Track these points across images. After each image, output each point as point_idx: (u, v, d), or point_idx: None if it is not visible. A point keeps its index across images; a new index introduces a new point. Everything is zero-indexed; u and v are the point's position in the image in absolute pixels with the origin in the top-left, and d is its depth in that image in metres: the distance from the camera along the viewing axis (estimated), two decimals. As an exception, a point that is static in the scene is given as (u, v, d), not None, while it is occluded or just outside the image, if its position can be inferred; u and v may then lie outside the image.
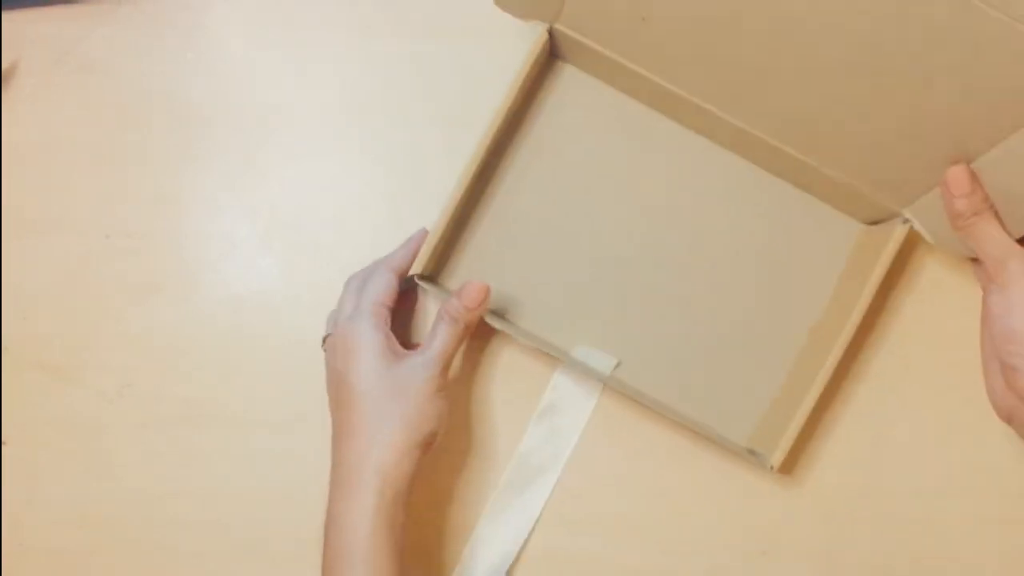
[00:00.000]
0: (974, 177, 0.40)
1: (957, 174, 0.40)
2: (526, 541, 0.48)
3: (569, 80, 0.49)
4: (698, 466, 0.49)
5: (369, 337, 0.42)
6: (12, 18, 0.50)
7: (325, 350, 0.45)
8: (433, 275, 0.48)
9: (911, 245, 0.49)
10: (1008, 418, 0.42)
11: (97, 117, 0.50)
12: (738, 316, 0.49)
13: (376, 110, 0.50)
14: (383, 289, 0.44)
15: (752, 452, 0.46)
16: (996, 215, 0.41)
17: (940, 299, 0.49)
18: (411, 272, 0.45)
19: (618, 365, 0.48)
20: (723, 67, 0.43)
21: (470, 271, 0.49)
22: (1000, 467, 0.49)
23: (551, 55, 0.49)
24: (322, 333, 0.47)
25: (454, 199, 0.44)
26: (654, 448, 0.49)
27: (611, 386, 0.47)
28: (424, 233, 0.46)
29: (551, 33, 0.45)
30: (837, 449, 0.49)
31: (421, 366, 0.42)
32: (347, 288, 0.45)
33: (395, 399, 0.41)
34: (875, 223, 0.48)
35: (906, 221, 0.45)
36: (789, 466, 0.48)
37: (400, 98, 0.50)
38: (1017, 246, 0.40)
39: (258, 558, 0.48)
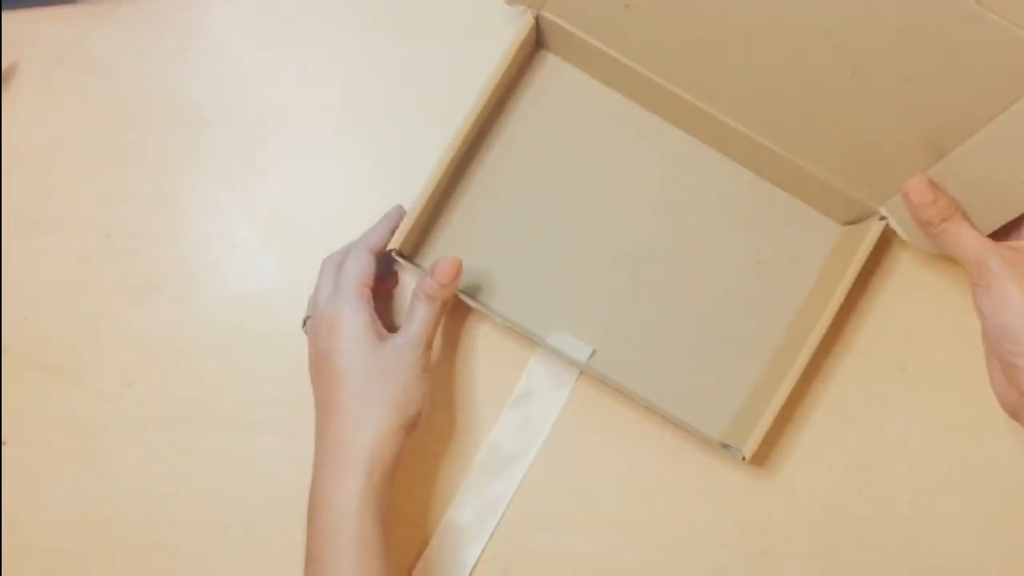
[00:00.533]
0: (934, 185, 0.41)
1: (916, 185, 0.41)
2: (496, 526, 0.48)
3: (554, 69, 0.50)
4: (697, 467, 0.49)
5: (353, 316, 0.42)
6: (12, 18, 0.50)
7: (306, 332, 0.45)
8: (412, 254, 0.49)
9: (887, 243, 0.50)
10: (1013, 413, 0.42)
11: (97, 117, 0.50)
12: (716, 311, 0.50)
13: (376, 110, 0.50)
14: (363, 269, 0.44)
15: (725, 446, 0.47)
16: (966, 217, 0.41)
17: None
18: (390, 247, 0.45)
19: (593, 354, 0.49)
20: (704, 57, 0.44)
21: (449, 251, 0.49)
22: (999, 464, 0.49)
23: (537, 44, 0.49)
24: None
25: (435, 178, 0.45)
26: (654, 448, 0.49)
27: (587, 374, 0.47)
28: (400, 210, 0.47)
29: (537, 20, 0.46)
30: (836, 450, 0.49)
31: (405, 347, 0.43)
32: (324, 269, 0.46)
33: (382, 380, 0.42)
34: (853, 223, 0.49)
35: (882, 218, 0.46)
36: (762, 458, 0.49)
37: (400, 98, 0.50)
38: (993, 244, 0.40)
39: (258, 558, 0.48)
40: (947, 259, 0.49)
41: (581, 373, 0.49)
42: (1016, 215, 0.41)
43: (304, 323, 0.46)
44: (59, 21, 0.50)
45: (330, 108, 0.51)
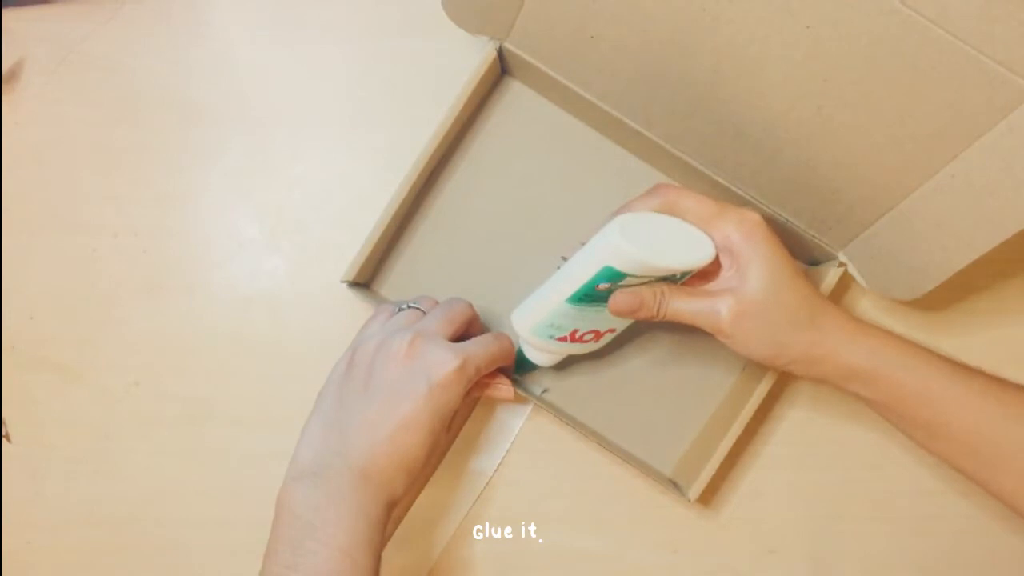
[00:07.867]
0: (629, 292, 0.39)
1: (617, 304, 0.39)
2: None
3: (517, 96, 0.49)
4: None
5: (451, 407, 0.40)
6: (18, 16, 0.50)
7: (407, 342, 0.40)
8: (369, 281, 0.49)
9: (846, 287, 0.49)
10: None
11: (103, 115, 0.50)
12: (673, 348, 0.49)
13: (384, 109, 0.50)
14: (485, 364, 0.42)
15: (674, 483, 0.47)
16: (674, 286, 0.40)
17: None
18: (344, 279, 0.45)
19: (545, 391, 0.49)
20: (666, 93, 0.43)
21: (406, 279, 0.49)
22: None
23: (502, 71, 0.49)
24: (329, 334, 0.47)
25: (393, 205, 0.45)
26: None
27: (541, 407, 0.47)
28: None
29: (501, 51, 0.46)
30: (839, 449, 0.49)
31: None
32: (448, 307, 0.43)
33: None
34: (816, 264, 0.48)
35: (840, 264, 0.45)
36: (708, 498, 0.49)
37: (407, 96, 0.50)
38: (712, 297, 0.39)
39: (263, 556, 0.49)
40: (906, 305, 0.48)
41: (534, 406, 0.49)
42: (977, 257, 0.39)
43: (399, 309, 0.43)
44: (64, 19, 0.50)
45: (337, 107, 0.50)
